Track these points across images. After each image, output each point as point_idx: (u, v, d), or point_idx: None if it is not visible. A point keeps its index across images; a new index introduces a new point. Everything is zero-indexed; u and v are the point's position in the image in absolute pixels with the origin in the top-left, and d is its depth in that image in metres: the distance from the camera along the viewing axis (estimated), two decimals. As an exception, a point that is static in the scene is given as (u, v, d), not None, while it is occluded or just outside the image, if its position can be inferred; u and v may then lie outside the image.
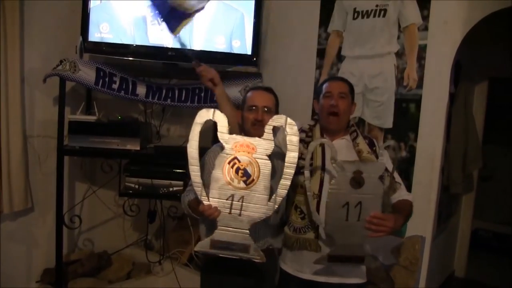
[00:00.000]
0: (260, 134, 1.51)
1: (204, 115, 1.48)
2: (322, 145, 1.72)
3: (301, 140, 1.54)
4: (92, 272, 2.93)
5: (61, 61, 2.53)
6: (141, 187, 2.67)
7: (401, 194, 1.75)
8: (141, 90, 2.70)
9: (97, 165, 3.02)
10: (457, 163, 3.10)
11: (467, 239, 3.82)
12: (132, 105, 3.00)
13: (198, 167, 1.48)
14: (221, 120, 1.48)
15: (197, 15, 2.69)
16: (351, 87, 1.80)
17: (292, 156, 1.47)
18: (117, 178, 2.91)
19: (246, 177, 1.47)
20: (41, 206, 2.85)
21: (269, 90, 1.83)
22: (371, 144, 1.78)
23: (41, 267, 2.87)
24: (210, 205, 1.46)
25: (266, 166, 1.48)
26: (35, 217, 2.85)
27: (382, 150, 1.66)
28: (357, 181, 1.54)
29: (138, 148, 2.62)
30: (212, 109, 1.48)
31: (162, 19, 2.65)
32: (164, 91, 2.74)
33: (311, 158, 1.67)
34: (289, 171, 1.47)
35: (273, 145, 1.48)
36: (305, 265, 1.71)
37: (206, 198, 1.48)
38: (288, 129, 1.47)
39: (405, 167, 2.38)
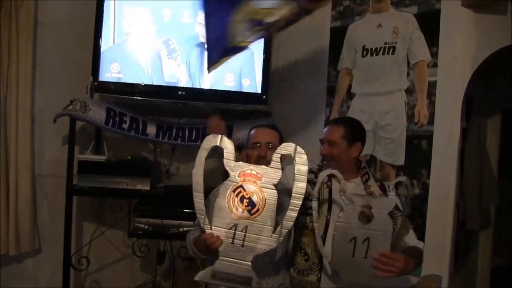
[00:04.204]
0: None
1: (211, 140, 1.44)
2: (329, 187, 1.68)
3: (309, 181, 1.47)
4: (99, 315, 2.85)
5: (71, 101, 2.55)
6: (151, 227, 2.62)
7: (411, 240, 1.70)
8: (151, 129, 2.70)
9: (106, 205, 2.98)
10: (473, 198, 3.03)
11: (487, 277, 3.65)
12: (141, 143, 2.99)
13: (202, 194, 1.43)
14: (228, 147, 1.44)
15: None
16: (347, 130, 1.72)
17: (300, 186, 1.40)
18: (126, 218, 2.88)
19: (251, 206, 1.42)
20: (48, 247, 2.82)
21: (272, 127, 1.81)
22: (383, 189, 1.71)
23: (47, 310, 2.80)
24: (212, 234, 1.42)
25: (272, 196, 1.42)
26: (41, 258, 2.81)
27: (392, 186, 1.60)
28: (365, 215, 1.49)
29: (148, 187, 2.61)
30: (220, 135, 1.45)
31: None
32: (174, 131, 2.74)
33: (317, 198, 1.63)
34: (296, 202, 1.40)
35: (280, 174, 1.42)
36: None
37: (209, 226, 1.43)
38: (297, 158, 1.41)
39: (419, 204, 2.33)
